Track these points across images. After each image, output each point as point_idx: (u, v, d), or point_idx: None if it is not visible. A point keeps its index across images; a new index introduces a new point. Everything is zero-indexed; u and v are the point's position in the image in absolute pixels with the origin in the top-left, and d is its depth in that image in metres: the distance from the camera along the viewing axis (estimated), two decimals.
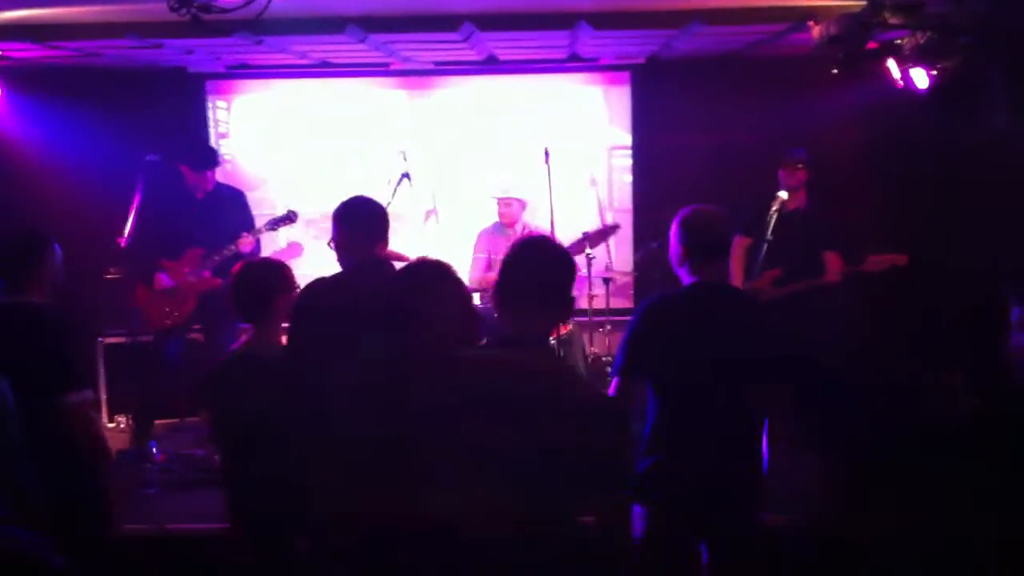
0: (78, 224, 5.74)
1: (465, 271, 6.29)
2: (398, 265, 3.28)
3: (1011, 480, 2.12)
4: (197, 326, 6.02)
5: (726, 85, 6.66)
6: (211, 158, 6.03)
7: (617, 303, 6.65)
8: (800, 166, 5.36)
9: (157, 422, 5.93)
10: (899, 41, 5.49)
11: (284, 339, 3.42)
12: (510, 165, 6.90)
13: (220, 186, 6.09)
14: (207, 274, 5.77)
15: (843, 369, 4.62)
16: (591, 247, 6.16)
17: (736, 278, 5.38)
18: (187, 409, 6.08)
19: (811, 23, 5.24)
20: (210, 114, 7.25)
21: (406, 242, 6.43)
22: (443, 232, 7.03)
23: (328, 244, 3.53)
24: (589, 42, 6.17)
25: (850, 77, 5.33)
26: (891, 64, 5.45)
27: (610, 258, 6.78)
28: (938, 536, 2.12)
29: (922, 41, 5.15)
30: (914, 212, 6.18)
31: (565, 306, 2.45)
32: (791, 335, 4.72)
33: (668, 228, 3.20)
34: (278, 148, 7.25)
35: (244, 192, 6.25)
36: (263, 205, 6.88)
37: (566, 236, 6.09)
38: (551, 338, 5.74)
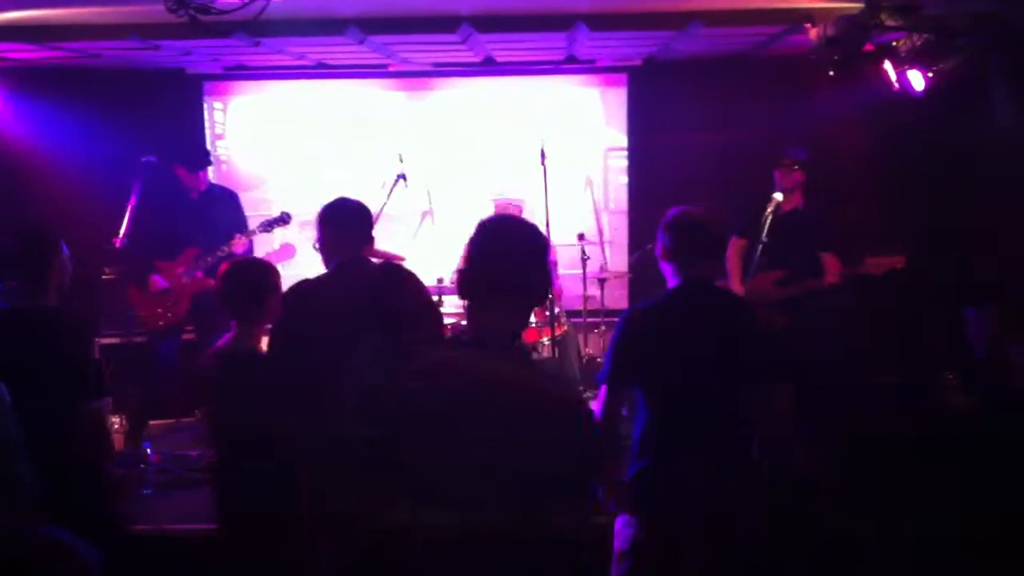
0: (75, 224, 5.69)
1: None
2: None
3: (1004, 475, 2.13)
4: (191, 327, 6.01)
5: (723, 87, 6.68)
6: (204, 158, 6.03)
7: (612, 304, 6.65)
8: (796, 167, 5.35)
9: (152, 423, 5.92)
10: (895, 43, 5.51)
11: (264, 339, 3.42)
12: (507, 166, 6.91)
13: (213, 186, 6.10)
14: (200, 275, 5.77)
15: (840, 369, 4.63)
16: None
17: (733, 279, 5.38)
18: (182, 410, 6.07)
19: (808, 25, 5.25)
20: (207, 115, 7.25)
21: (401, 243, 6.44)
22: (439, 233, 7.05)
23: (312, 246, 3.53)
24: (587, 44, 6.18)
25: (847, 79, 5.34)
26: (887, 66, 5.45)
27: (605, 259, 6.78)
28: (933, 531, 2.12)
29: (919, 43, 5.16)
30: (912, 214, 6.20)
31: (539, 294, 2.20)
32: (781, 335, 4.75)
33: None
34: (275, 149, 7.25)
35: (237, 193, 6.24)
36: (259, 206, 6.88)
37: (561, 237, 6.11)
38: (543, 337, 5.82)
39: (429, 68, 7.00)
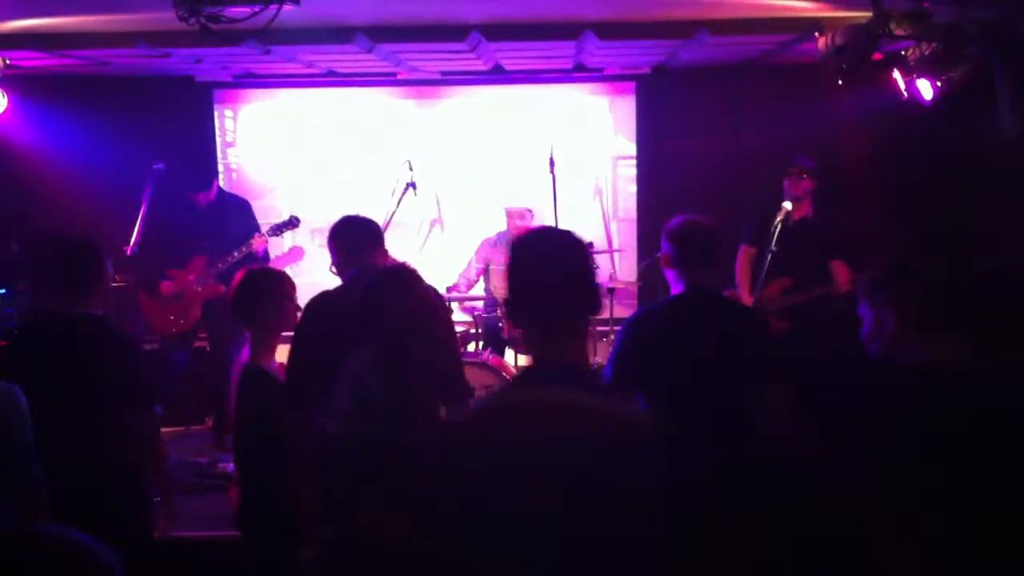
0: (86, 231, 5.75)
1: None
2: None
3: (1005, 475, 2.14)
4: (203, 334, 6.03)
5: (731, 95, 6.68)
6: (208, 173, 6.08)
7: (621, 313, 6.64)
8: (805, 175, 5.35)
9: (163, 430, 5.92)
10: (904, 52, 5.50)
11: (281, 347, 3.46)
12: (515, 174, 6.92)
13: (224, 194, 6.12)
14: (212, 281, 5.79)
15: (852, 376, 4.60)
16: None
17: (742, 288, 5.38)
18: (192, 416, 6.08)
19: (817, 34, 5.25)
20: (217, 123, 7.28)
21: (410, 251, 6.45)
22: (447, 241, 7.06)
23: (330, 270, 3.58)
24: (595, 52, 6.19)
25: (856, 87, 5.34)
26: (896, 75, 5.45)
27: (614, 267, 6.78)
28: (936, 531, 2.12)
29: (927, 52, 5.16)
30: (920, 221, 6.18)
31: (595, 299, 2.05)
32: (784, 339, 4.74)
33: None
34: (284, 157, 7.27)
35: (249, 201, 6.26)
36: (269, 213, 6.90)
37: None
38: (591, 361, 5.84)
39: (438, 76, 7.02)
